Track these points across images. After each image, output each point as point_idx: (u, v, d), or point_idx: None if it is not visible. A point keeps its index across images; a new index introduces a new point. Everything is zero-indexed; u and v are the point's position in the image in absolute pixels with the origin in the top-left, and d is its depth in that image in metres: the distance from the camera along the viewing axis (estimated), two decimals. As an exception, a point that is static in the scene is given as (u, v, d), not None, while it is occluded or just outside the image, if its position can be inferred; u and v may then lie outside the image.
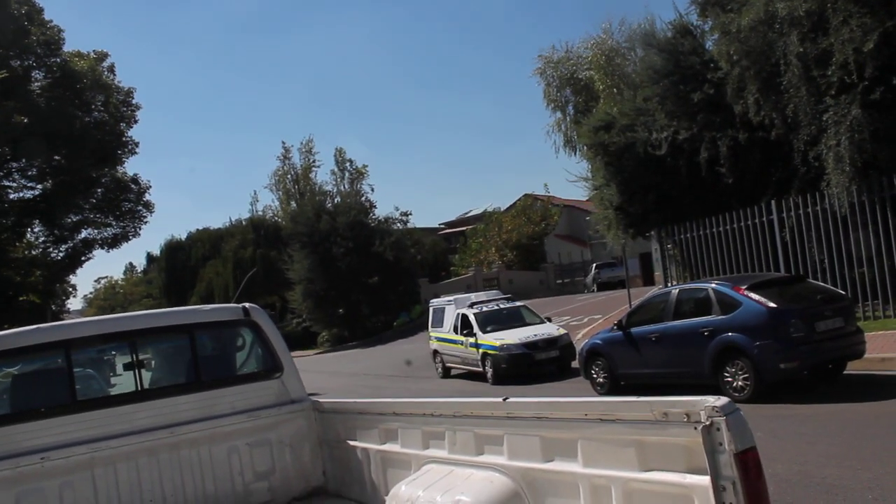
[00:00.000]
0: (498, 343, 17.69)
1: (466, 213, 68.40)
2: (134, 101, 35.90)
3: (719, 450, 2.84)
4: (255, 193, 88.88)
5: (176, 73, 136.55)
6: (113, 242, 37.60)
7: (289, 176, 57.24)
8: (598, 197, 22.84)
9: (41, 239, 36.33)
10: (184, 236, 64.13)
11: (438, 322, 21.14)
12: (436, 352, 21.02)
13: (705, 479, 2.90)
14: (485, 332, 18.33)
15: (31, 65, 32.06)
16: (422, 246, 52.90)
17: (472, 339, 18.55)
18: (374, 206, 47.70)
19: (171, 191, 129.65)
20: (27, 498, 5.07)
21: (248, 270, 44.28)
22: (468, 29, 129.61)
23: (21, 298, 32.09)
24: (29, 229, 35.26)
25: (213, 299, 47.83)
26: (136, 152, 36.08)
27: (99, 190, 35.72)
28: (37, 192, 34.37)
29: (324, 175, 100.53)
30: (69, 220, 35.68)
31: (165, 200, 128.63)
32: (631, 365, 13.18)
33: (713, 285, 12.07)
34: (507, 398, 4.04)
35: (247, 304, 6.23)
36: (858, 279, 16.30)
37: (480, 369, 18.29)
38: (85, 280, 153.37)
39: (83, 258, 37.89)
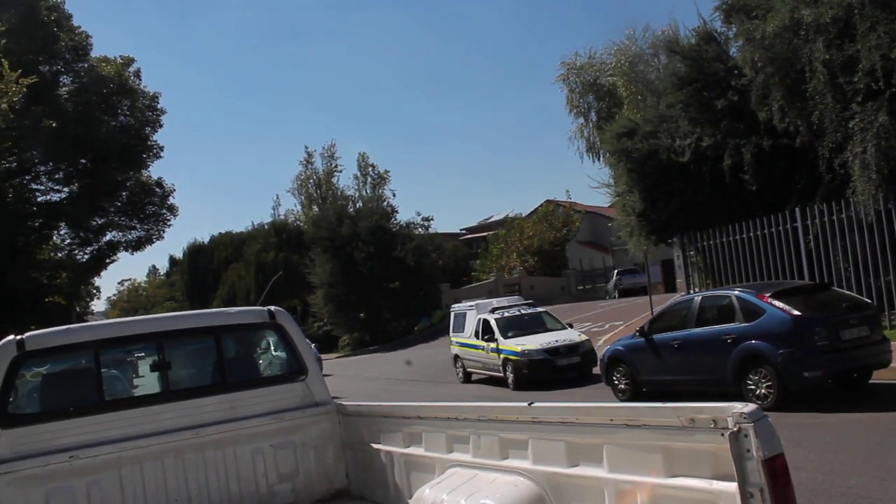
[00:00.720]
0: (519, 348, 17.66)
1: (488, 219, 68.35)
2: (159, 106, 36.32)
3: (747, 456, 2.84)
4: (277, 197, 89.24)
5: (200, 79, 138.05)
6: (137, 245, 38.01)
7: (311, 180, 57.66)
8: (621, 203, 22.76)
9: (67, 241, 36.88)
10: (206, 240, 65.00)
11: (460, 327, 21.14)
12: (457, 357, 21.04)
13: (732, 486, 2.90)
14: (506, 337, 18.29)
15: (60, 70, 32.48)
16: (443, 251, 52.93)
17: (493, 345, 18.54)
18: (396, 211, 47.96)
19: (195, 194, 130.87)
20: (56, 495, 5.14)
21: (271, 274, 44.72)
22: (488, 37, 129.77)
23: (47, 300, 32.44)
24: (55, 232, 35.71)
25: (236, 302, 48.22)
26: (160, 156, 36.52)
27: (124, 193, 36.13)
28: (63, 196, 34.79)
29: (346, 180, 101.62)
30: (94, 222, 36.18)
31: (189, 204, 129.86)
32: (653, 372, 13.12)
33: (736, 292, 11.99)
34: (532, 403, 4.05)
35: (272, 307, 6.27)
36: (884, 287, 16.09)
37: (501, 374, 18.27)
38: (109, 282, 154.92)
39: (108, 260, 38.50)
